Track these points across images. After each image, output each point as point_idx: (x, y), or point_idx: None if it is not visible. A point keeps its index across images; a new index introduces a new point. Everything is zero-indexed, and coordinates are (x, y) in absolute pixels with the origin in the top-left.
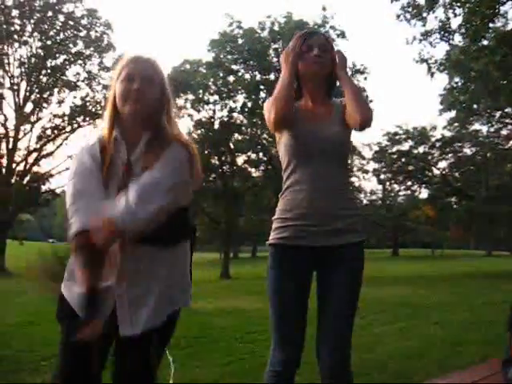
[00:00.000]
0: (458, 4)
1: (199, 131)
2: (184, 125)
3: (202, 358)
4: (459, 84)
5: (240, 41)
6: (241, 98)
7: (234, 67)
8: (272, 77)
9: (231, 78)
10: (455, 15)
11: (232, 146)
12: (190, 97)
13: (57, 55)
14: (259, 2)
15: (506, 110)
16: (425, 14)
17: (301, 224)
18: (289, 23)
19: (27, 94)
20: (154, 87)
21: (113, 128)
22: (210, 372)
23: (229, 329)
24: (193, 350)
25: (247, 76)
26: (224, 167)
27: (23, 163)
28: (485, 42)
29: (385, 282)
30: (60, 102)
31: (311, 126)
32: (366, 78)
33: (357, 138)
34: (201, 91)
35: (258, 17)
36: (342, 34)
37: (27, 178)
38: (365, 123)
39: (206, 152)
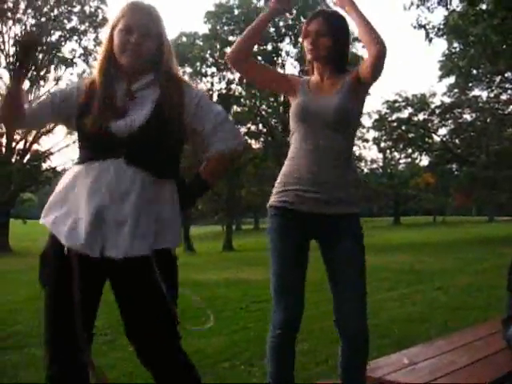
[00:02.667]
0: None
1: None
2: None
3: (209, 328)
4: (458, 49)
5: (236, 11)
6: None
7: (231, 38)
8: (269, 47)
9: (228, 50)
10: None
11: (231, 118)
12: (188, 70)
13: (52, 32)
14: None
15: (506, 75)
16: None
17: (301, 189)
18: None
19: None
20: (151, 39)
21: (107, 69)
22: (215, 341)
23: (233, 299)
24: (198, 320)
25: None
26: None
27: (23, 142)
28: (483, 6)
29: (387, 249)
30: (57, 80)
31: (316, 96)
32: (363, 46)
33: None
34: (198, 64)
35: None
36: None
37: (27, 157)
38: (381, 53)
39: None
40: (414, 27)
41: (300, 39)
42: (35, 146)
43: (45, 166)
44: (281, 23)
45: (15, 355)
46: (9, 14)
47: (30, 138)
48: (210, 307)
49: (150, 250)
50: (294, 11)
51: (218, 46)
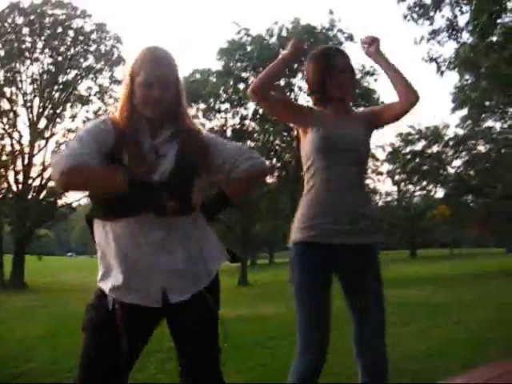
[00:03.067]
0: (465, 1)
1: None
2: None
3: (223, 364)
4: (470, 81)
5: (249, 48)
6: (252, 105)
7: (244, 74)
8: (282, 82)
9: (241, 86)
10: (462, 13)
11: None
12: (202, 106)
13: (68, 70)
14: (266, 8)
15: None
16: (432, 13)
17: (327, 222)
18: (296, 28)
19: (40, 110)
20: (170, 89)
21: (132, 118)
22: (231, 378)
23: (249, 335)
24: None
25: None
26: None
27: (39, 178)
28: (494, 39)
29: (404, 283)
30: (73, 117)
31: (338, 128)
32: (376, 80)
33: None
34: (212, 100)
35: (266, 23)
36: (350, 37)
37: (43, 193)
38: (411, 106)
39: None
40: (426, 61)
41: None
42: (51, 183)
43: (60, 202)
44: None
45: None
46: (27, 54)
47: (46, 175)
48: (225, 343)
49: (209, 279)
50: (306, 47)
51: (231, 83)
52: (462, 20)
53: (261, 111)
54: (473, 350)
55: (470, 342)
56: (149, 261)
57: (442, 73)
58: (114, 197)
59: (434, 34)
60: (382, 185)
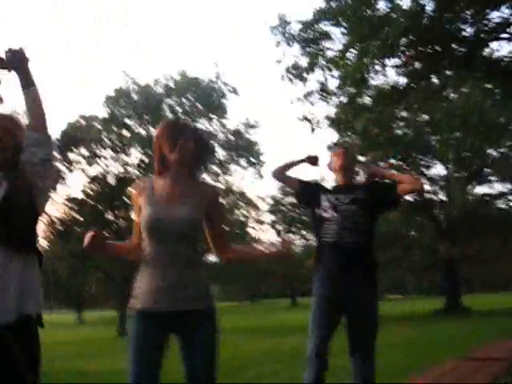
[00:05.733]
0: (334, 66)
1: (93, 186)
2: (78, 180)
3: None
4: (347, 139)
5: (135, 96)
6: (135, 152)
7: (128, 122)
8: None
9: (125, 133)
10: (332, 76)
11: (127, 201)
12: (84, 152)
13: None
14: (155, 61)
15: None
16: (305, 75)
17: (157, 294)
18: (184, 78)
19: None
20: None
21: None
22: None
23: None
24: None
25: (142, 131)
26: (118, 222)
27: None
28: (366, 100)
29: (280, 332)
30: None
31: (166, 207)
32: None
33: (252, 191)
34: (94, 146)
35: (155, 75)
36: (234, 91)
37: None
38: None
39: (100, 207)
40: (300, 120)
41: None
42: None
43: None
44: None
45: None
46: None
47: None
48: None
49: (16, 316)
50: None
51: (115, 129)
52: (333, 83)
53: (147, 160)
54: None
55: None
56: None
57: (313, 130)
58: None
59: (307, 95)
60: (265, 234)
